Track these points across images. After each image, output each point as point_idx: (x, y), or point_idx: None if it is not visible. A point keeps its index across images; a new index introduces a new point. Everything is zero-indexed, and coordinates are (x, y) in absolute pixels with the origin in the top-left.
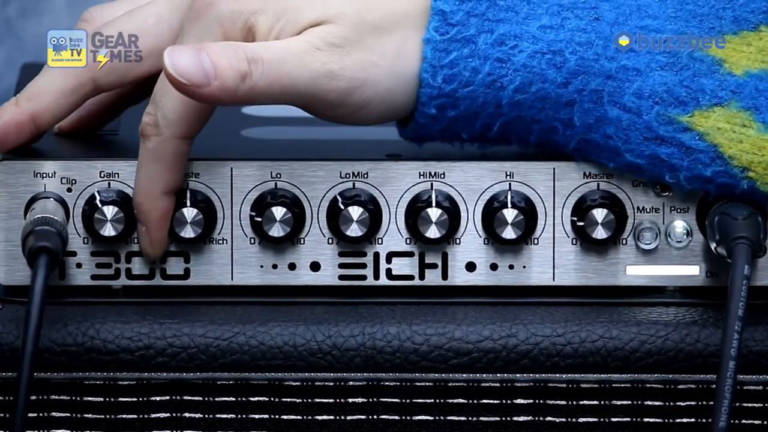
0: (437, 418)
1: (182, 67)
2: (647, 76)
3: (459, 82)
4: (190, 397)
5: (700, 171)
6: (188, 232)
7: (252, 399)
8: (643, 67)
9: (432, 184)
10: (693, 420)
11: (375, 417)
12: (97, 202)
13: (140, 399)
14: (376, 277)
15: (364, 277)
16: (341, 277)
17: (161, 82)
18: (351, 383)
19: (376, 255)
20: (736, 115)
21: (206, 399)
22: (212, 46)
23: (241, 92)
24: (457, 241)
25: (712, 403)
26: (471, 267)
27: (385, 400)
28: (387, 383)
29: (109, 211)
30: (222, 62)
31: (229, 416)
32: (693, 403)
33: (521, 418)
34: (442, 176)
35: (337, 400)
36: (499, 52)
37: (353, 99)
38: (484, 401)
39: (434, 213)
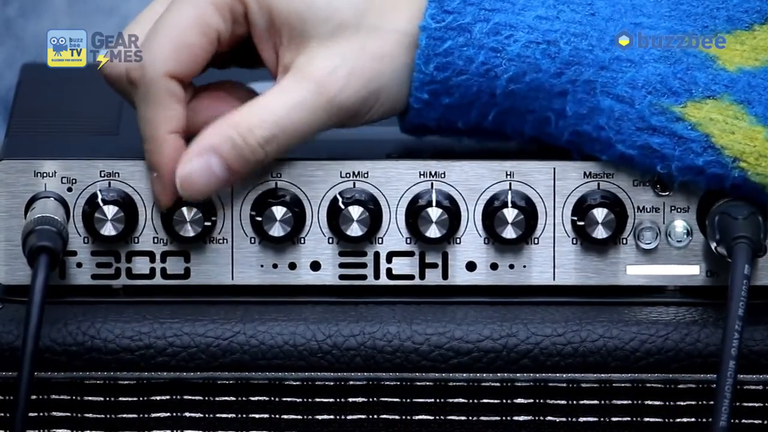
0: (437, 417)
1: (197, 190)
2: (641, 67)
3: (452, 71)
4: (190, 397)
5: (692, 160)
6: (188, 232)
7: (252, 398)
8: (637, 59)
9: (432, 184)
10: (693, 419)
11: (375, 416)
12: (98, 201)
13: (140, 398)
14: (377, 276)
15: (364, 277)
16: (341, 277)
17: (153, 30)
18: (351, 383)
19: (377, 254)
20: (728, 107)
21: (206, 398)
22: (221, 147)
23: (260, 164)
24: (458, 241)
25: (712, 402)
26: (471, 266)
27: (386, 399)
28: (387, 383)
29: (110, 210)
30: (234, 166)
31: (230, 416)
32: (693, 402)
33: (521, 418)
34: (443, 176)
35: (338, 400)
36: (494, 41)
37: (365, 112)
38: (485, 401)
39: (434, 212)
